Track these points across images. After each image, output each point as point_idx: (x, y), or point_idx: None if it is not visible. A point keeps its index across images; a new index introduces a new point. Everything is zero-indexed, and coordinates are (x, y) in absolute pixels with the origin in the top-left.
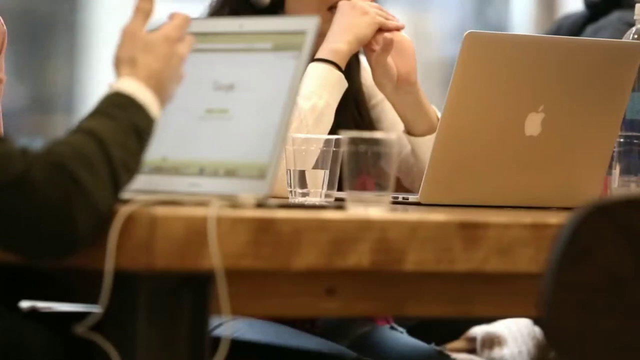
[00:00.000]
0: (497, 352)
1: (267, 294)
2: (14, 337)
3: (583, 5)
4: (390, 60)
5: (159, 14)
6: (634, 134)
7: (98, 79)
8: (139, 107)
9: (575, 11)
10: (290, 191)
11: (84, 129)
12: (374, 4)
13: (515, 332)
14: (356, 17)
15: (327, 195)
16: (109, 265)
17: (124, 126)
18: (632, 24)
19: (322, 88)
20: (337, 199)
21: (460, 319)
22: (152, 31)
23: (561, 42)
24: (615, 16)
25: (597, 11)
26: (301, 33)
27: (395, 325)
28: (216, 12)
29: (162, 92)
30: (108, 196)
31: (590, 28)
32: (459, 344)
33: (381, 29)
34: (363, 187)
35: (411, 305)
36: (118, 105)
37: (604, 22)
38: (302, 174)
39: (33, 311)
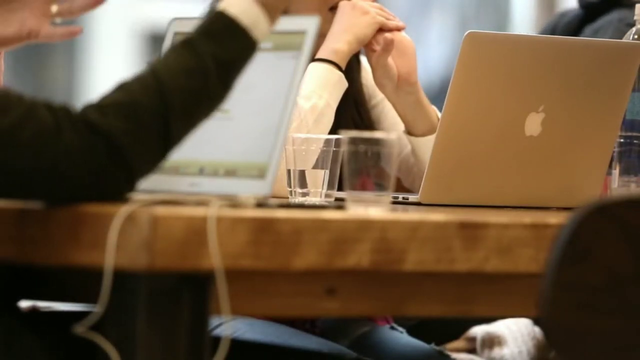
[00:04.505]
0: (497, 352)
1: (267, 294)
2: (14, 337)
3: (577, 5)
4: (390, 60)
5: (160, 14)
6: (634, 134)
7: (97, 77)
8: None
9: (570, 9)
10: (290, 191)
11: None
12: (374, 4)
13: (515, 332)
14: (356, 17)
15: (327, 195)
16: (109, 265)
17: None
18: (633, 25)
19: (322, 88)
20: (337, 199)
21: (460, 319)
22: None
23: (561, 42)
24: (615, 16)
25: (593, 11)
26: (301, 33)
27: (395, 325)
28: None
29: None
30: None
31: (588, 29)
32: (459, 344)
33: (382, 29)
34: (363, 187)
35: (411, 305)
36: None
37: (602, 22)
38: (302, 174)
39: (33, 311)
